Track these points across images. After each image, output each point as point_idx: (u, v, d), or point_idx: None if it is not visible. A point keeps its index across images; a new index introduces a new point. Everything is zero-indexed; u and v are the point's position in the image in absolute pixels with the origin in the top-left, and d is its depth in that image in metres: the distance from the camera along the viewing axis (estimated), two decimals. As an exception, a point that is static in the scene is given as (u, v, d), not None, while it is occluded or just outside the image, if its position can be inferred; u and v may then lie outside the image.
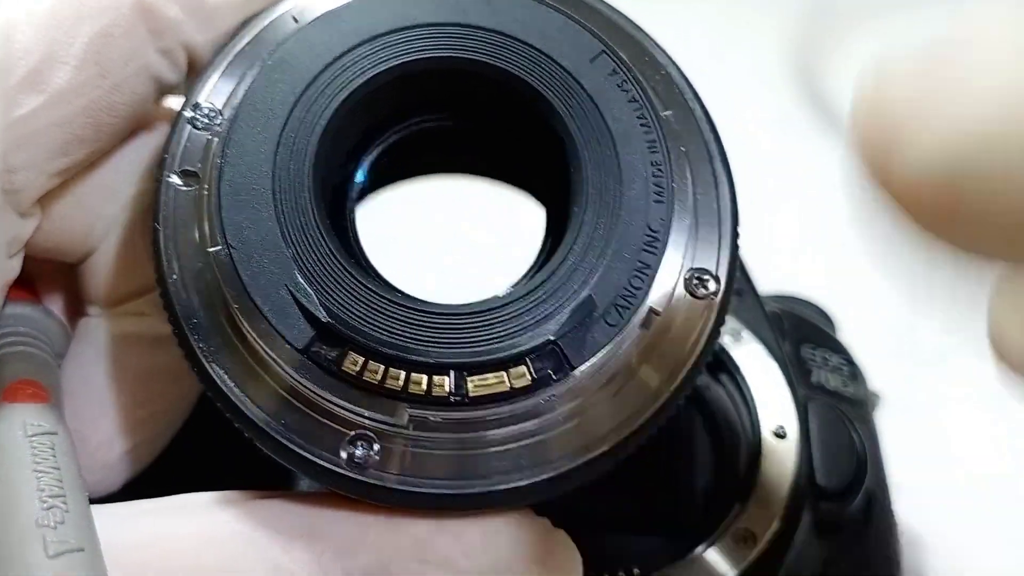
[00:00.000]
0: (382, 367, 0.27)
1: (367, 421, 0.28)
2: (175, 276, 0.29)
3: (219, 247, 0.28)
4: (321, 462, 0.28)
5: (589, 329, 0.28)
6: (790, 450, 0.41)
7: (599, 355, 0.28)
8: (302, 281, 0.28)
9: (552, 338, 0.28)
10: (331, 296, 0.28)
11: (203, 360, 0.28)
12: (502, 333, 0.28)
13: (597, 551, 0.41)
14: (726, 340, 0.45)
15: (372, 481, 0.28)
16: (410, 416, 0.28)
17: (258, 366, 0.28)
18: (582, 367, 0.28)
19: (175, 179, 0.30)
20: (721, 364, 0.46)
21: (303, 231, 0.28)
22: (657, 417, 0.30)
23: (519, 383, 0.27)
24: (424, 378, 0.27)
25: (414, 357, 0.27)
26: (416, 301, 0.29)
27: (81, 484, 0.27)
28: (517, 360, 0.27)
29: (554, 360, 0.28)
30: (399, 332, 0.27)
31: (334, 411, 0.28)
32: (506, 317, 0.28)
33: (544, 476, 0.29)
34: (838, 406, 0.44)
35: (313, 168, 0.29)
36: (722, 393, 0.46)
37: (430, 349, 0.27)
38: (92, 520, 0.26)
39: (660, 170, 0.30)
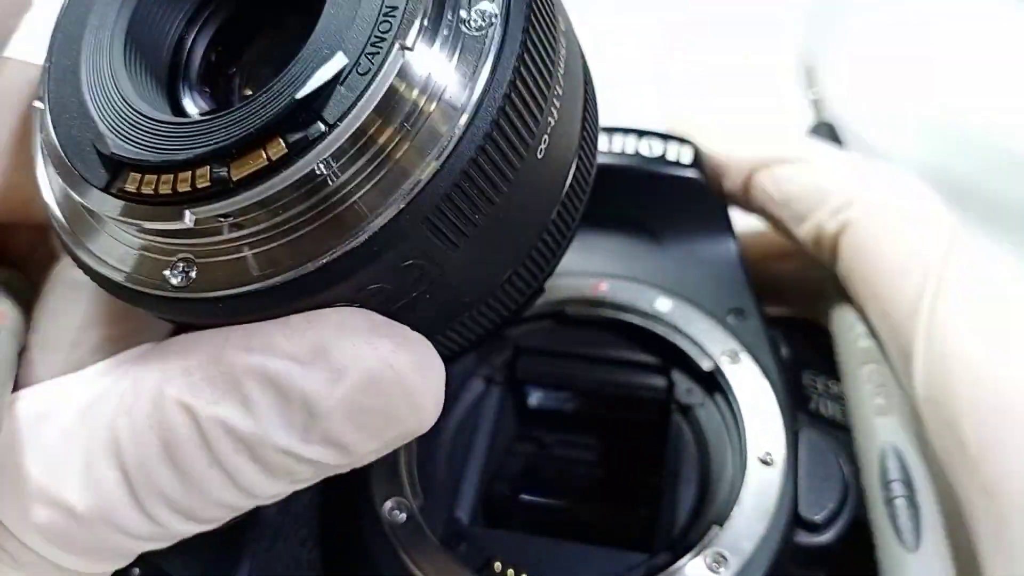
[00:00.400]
0: (154, 177, 0.28)
1: (172, 242, 0.29)
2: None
3: (43, 105, 0.31)
4: (155, 292, 0.30)
5: (341, 84, 0.27)
6: (775, 478, 0.41)
7: (356, 107, 0.27)
8: (102, 129, 0.29)
9: (297, 98, 0.26)
10: (120, 135, 0.29)
11: (69, 245, 0.32)
12: (257, 114, 0.27)
13: (575, 562, 0.42)
14: (723, 360, 0.45)
15: (192, 296, 0.29)
16: (196, 219, 0.28)
17: (95, 223, 0.31)
18: (341, 122, 0.27)
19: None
20: (716, 384, 0.46)
21: (103, 87, 0.30)
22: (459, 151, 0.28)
23: (275, 153, 0.27)
24: (188, 174, 0.27)
25: (177, 158, 0.28)
26: (187, 119, 0.30)
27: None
28: (269, 132, 0.27)
29: (307, 123, 0.27)
30: (164, 146, 0.28)
31: (150, 242, 0.30)
32: (263, 101, 0.27)
33: (351, 246, 0.28)
34: (832, 435, 0.44)
35: (128, 27, 0.31)
36: (714, 413, 0.46)
37: (190, 149, 0.28)
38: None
39: None
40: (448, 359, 0.33)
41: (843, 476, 0.42)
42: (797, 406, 0.46)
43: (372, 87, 0.27)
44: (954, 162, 0.75)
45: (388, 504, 0.42)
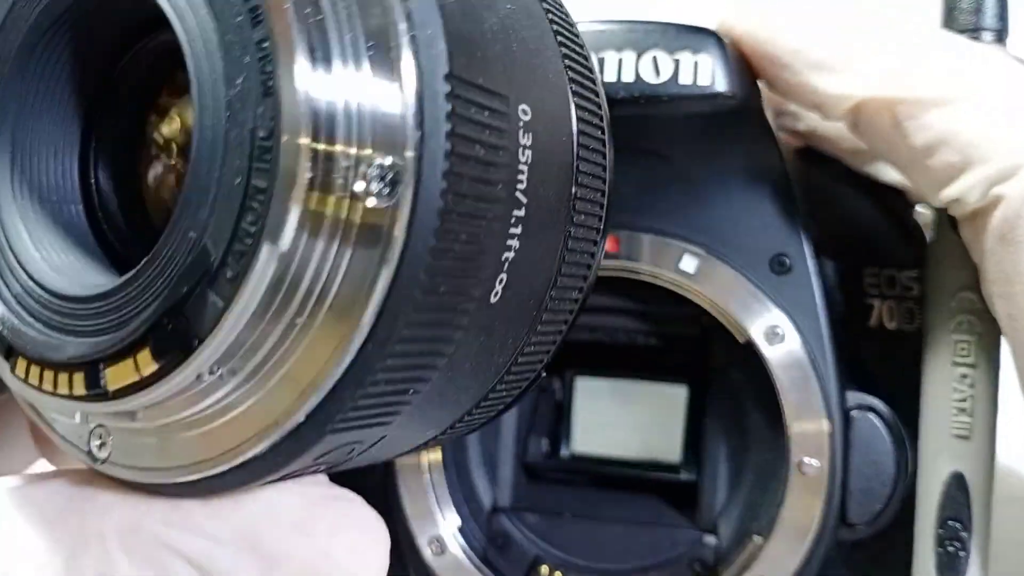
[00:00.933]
0: (38, 369, 0.26)
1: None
2: None
3: None
4: (83, 458, 0.28)
5: (210, 289, 0.22)
6: (820, 488, 0.39)
7: (229, 315, 0.22)
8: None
9: (163, 311, 0.23)
10: (14, 308, 0.27)
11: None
12: (126, 315, 0.24)
13: (621, 545, 0.43)
14: (761, 340, 0.39)
15: (104, 470, 0.27)
16: (85, 414, 0.26)
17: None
18: (213, 334, 0.22)
19: None
20: (754, 357, 0.40)
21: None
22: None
23: (146, 369, 0.23)
24: (66, 376, 0.25)
25: (52, 357, 0.25)
26: (56, 295, 0.26)
27: None
28: (137, 345, 0.24)
29: (178, 336, 0.23)
30: (48, 332, 0.26)
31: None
32: (132, 293, 0.24)
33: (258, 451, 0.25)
34: (887, 413, 0.39)
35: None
36: (754, 384, 0.41)
37: (70, 340, 0.25)
38: None
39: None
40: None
41: (895, 469, 0.39)
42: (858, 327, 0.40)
43: (244, 294, 0.22)
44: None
45: (424, 543, 0.42)
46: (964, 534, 0.36)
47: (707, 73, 0.36)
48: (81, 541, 0.26)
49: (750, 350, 0.40)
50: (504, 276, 0.26)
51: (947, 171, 0.34)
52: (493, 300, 0.27)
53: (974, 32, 0.36)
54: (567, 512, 0.44)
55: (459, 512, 0.43)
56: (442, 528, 0.42)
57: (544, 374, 0.34)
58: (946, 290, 0.37)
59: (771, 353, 0.39)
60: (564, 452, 0.46)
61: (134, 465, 0.27)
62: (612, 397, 0.46)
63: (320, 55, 0.22)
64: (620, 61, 0.36)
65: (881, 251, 0.41)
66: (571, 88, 0.30)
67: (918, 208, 0.42)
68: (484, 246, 0.25)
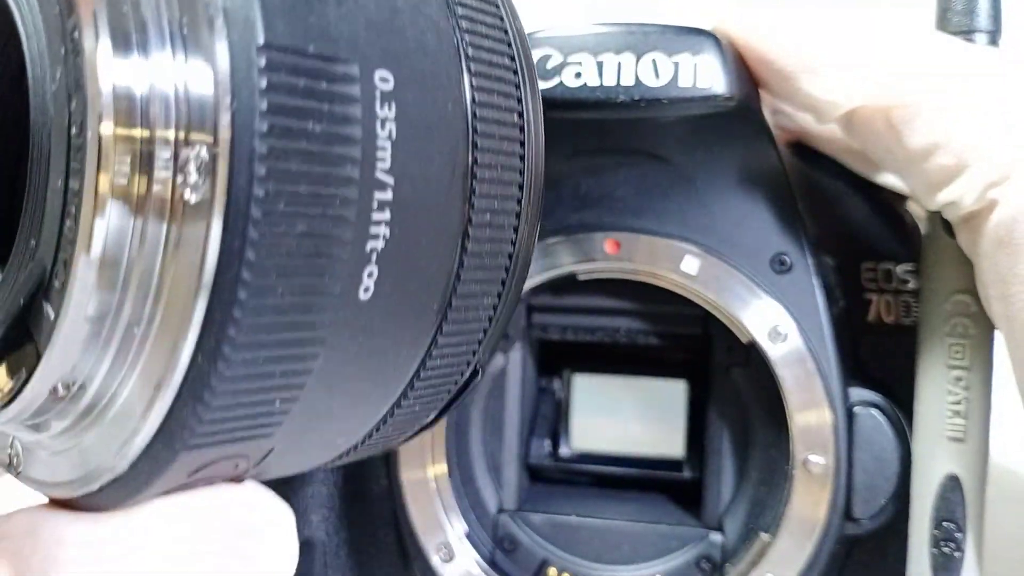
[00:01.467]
0: None
1: None
2: None
3: None
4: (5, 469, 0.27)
5: (46, 301, 0.22)
6: (826, 481, 0.39)
7: (61, 328, 0.22)
8: None
9: (8, 324, 0.23)
10: None
11: None
12: None
13: (627, 544, 0.43)
14: (764, 340, 0.39)
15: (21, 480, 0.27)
16: None
17: None
18: (51, 349, 0.22)
19: None
20: (757, 357, 0.40)
21: None
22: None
23: (5, 386, 0.23)
24: None
25: None
26: None
27: None
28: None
29: (23, 351, 0.23)
30: None
31: None
32: None
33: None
34: (888, 408, 0.39)
35: None
36: (756, 381, 0.41)
37: None
38: None
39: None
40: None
41: (897, 459, 0.39)
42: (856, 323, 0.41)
43: (70, 304, 0.21)
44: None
45: (432, 550, 0.42)
46: (959, 535, 0.36)
47: (707, 75, 0.36)
48: None
49: (752, 349, 0.40)
50: (373, 269, 0.24)
51: (942, 174, 0.34)
52: (364, 297, 0.24)
53: (968, 34, 0.36)
54: (573, 513, 0.44)
55: (465, 518, 0.43)
56: (449, 535, 0.42)
57: (480, 374, 0.32)
58: (940, 293, 0.37)
59: (774, 352, 0.39)
60: (565, 451, 0.46)
61: (36, 476, 0.26)
62: (611, 393, 0.46)
63: (133, 41, 0.21)
64: (619, 64, 0.36)
65: (877, 245, 0.42)
66: (464, 49, 0.27)
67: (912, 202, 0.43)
68: (334, 236, 0.22)
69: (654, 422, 0.46)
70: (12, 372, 0.23)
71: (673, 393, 0.46)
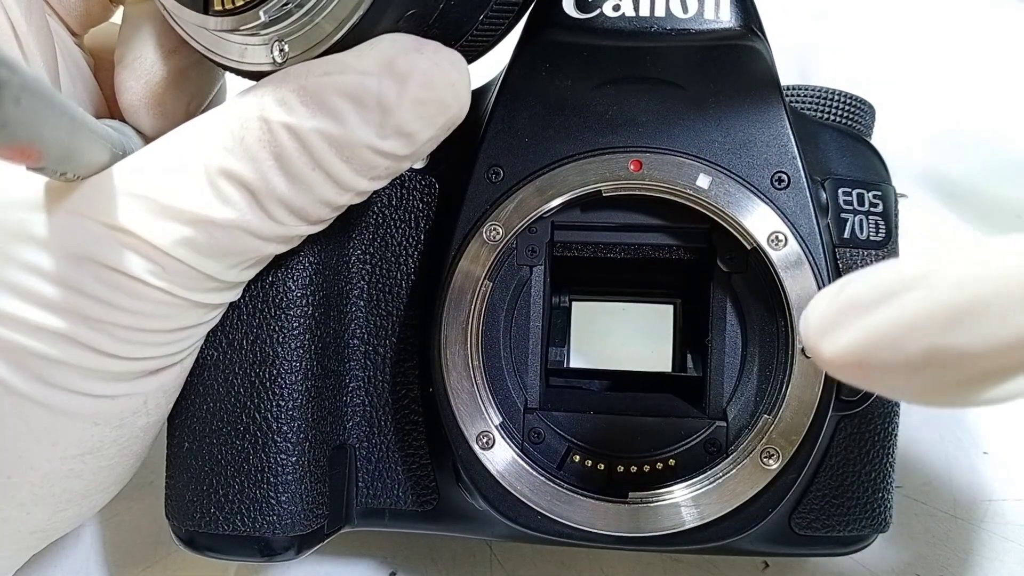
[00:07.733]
0: None
1: (263, 32, 0.37)
2: None
3: None
4: (269, 68, 0.38)
5: None
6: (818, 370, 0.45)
7: None
8: None
9: None
10: None
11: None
12: None
13: (640, 434, 0.48)
14: (766, 246, 0.46)
15: (284, 67, 0.38)
16: (268, 14, 0.36)
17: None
18: None
19: None
20: (759, 262, 0.46)
21: None
22: None
23: None
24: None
25: None
26: None
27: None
28: None
29: None
30: None
31: (247, 38, 0.38)
32: None
33: None
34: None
35: None
36: (756, 286, 0.47)
37: None
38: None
39: None
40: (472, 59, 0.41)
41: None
42: (836, 237, 0.48)
43: None
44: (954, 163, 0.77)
45: (473, 437, 0.46)
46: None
47: (725, 8, 0.42)
48: (266, 109, 0.36)
49: (752, 257, 0.46)
50: None
51: None
52: None
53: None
54: (590, 410, 0.49)
55: (500, 411, 0.47)
56: (489, 424, 0.46)
57: None
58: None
59: (775, 256, 0.45)
60: (576, 363, 0.51)
61: (304, 53, 0.37)
62: (606, 317, 0.51)
63: None
64: (653, -2, 0.42)
65: (851, 174, 0.49)
66: None
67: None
68: None
69: (647, 340, 0.52)
70: None
71: (662, 315, 0.52)
